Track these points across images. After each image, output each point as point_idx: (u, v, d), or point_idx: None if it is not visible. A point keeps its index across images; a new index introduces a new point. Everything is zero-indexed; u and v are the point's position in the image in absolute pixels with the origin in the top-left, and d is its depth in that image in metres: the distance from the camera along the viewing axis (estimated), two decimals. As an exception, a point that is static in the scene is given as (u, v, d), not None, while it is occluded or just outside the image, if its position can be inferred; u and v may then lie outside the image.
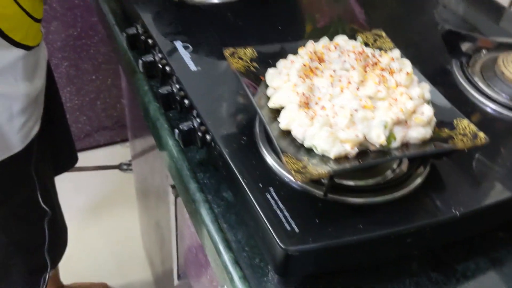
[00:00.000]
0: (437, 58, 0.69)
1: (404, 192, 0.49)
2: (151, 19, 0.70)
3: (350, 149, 0.45)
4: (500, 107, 0.61)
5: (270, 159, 0.49)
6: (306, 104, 0.48)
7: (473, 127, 0.48)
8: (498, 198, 0.50)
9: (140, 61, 0.65)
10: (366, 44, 0.58)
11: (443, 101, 0.52)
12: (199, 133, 0.56)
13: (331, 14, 0.81)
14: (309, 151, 0.46)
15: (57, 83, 0.99)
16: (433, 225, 0.48)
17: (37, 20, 0.75)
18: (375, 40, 0.59)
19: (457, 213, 0.48)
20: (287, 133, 0.47)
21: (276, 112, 0.49)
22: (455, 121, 0.49)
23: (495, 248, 0.54)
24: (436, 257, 0.53)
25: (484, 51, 0.71)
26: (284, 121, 0.47)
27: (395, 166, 0.52)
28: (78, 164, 1.13)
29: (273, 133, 0.46)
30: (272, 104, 0.49)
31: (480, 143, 0.47)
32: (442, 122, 0.50)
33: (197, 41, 0.66)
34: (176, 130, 0.57)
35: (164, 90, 0.61)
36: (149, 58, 0.66)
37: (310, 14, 0.81)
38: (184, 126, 0.56)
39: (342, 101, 0.48)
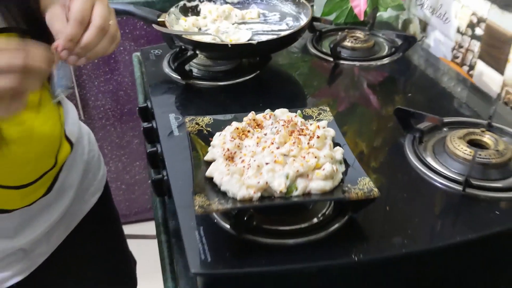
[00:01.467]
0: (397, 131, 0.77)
1: (315, 237, 0.57)
2: (157, 96, 0.86)
3: (253, 194, 0.54)
4: (440, 178, 0.67)
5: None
6: (231, 158, 0.59)
7: (371, 184, 0.56)
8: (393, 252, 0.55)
9: (142, 126, 0.82)
10: (310, 117, 0.69)
11: (355, 163, 0.60)
12: (167, 185, 0.69)
13: (349, 100, 0.90)
14: (224, 195, 0.56)
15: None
16: (332, 267, 0.55)
17: (18, 187, 0.68)
18: (319, 114, 0.69)
19: (356, 258, 0.54)
20: (210, 180, 0.58)
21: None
22: (359, 179, 0.57)
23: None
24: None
25: (445, 129, 0.78)
26: (209, 170, 0.58)
27: (320, 215, 0.60)
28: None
29: (197, 178, 0.57)
30: (206, 157, 0.61)
31: (372, 196, 0.54)
32: (348, 179, 0.58)
33: (187, 114, 0.81)
34: (149, 180, 0.70)
35: (151, 149, 0.76)
36: (149, 125, 0.81)
37: (329, 99, 0.89)
38: (156, 177, 0.70)
39: (261, 158, 0.58)
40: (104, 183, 0.88)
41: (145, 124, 0.82)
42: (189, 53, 0.90)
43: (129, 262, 1.02)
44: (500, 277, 0.65)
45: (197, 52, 0.88)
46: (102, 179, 0.87)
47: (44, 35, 0.58)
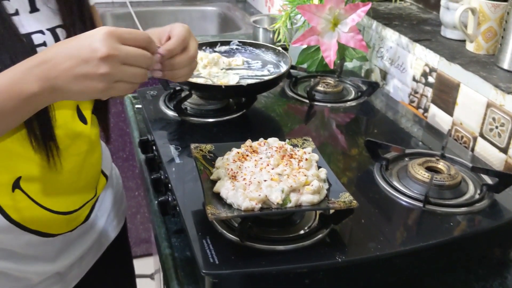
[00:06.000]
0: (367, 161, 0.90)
1: (304, 244, 0.68)
2: (157, 130, 0.97)
3: (255, 205, 0.66)
4: (404, 197, 0.80)
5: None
6: (234, 177, 0.70)
7: (351, 197, 0.68)
8: (369, 254, 0.67)
9: (143, 157, 0.92)
10: (296, 145, 0.81)
11: (337, 182, 0.72)
12: (172, 205, 0.79)
13: (324, 135, 1.03)
14: (230, 207, 0.67)
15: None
16: (321, 267, 0.66)
17: (65, 213, 0.75)
18: (303, 143, 0.82)
19: (339, 259, 0.66)
20: (217, 194, 0.69)
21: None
22: (341, 194, 0.69)
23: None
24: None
25: (406, 158, 0.92)
26: (216, 186, 0.69)
27: (306, 228, 0.71)
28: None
29: (206, 193, 0.68)
30: (212, 176, 0.72)
31: (352, 206, 0.66)
32: (331, 195, 0.70)
33: (185, 144, 0.92)
34: (156, 201, 0.80)
35: (154, 175, 0.86)
36: (150, 155, 0.92)
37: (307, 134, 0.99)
38: (162, 199, 0.80)
39: (259, 176, 0.70)
40: (125, 216, 0.97)
41: (147, 155, 0.92)
42: (184, 93, 1.02)
43: None
44: (452, 276, 0.77)
45: (193, 92, 1.01)
46: (124, 211, 0.96)
47: None
